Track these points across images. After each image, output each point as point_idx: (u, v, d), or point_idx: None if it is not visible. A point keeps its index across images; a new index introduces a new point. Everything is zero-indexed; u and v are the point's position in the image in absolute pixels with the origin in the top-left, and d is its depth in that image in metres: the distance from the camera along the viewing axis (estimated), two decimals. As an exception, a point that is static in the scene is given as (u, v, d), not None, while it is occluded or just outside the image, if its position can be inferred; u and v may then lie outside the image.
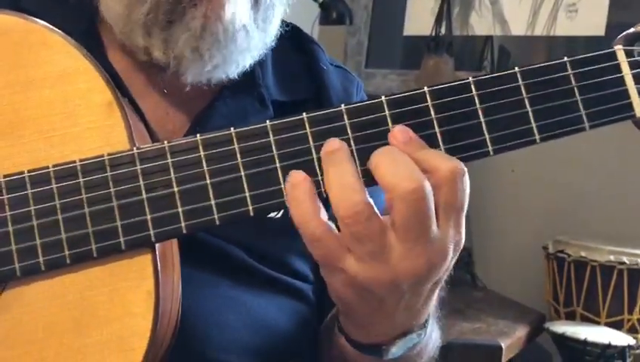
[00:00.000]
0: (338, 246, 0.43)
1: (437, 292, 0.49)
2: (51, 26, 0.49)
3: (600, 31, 1.99)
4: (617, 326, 1.61)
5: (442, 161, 0.43)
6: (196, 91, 0.61)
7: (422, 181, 0.42)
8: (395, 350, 0.51)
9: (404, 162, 0.43)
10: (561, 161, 1.85)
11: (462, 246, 0.45)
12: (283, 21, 0.64)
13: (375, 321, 0.48)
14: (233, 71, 0.59)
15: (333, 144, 0.45)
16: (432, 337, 0.60)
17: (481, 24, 2.24)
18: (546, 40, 2.10)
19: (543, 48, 2.15)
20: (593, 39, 2.10)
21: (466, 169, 0.44)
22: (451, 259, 0.45)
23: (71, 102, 0.47)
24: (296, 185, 0.43)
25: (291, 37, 0.66)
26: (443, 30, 2.14)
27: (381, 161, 0.44)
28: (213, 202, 0.45)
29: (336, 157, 0.44)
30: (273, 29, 0.61)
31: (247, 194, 0.45)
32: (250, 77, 0.62)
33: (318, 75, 0.67)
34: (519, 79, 0.47)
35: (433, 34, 2.14)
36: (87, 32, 0.60)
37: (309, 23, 2.13)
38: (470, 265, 1.96)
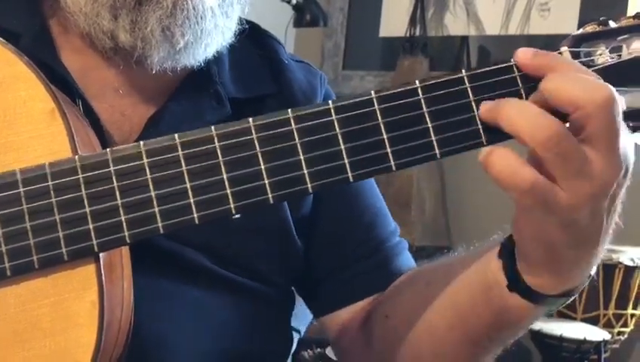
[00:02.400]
0: (548, 184, 0.43)
1: (608, 234, 0.48)
2: None
3: (572, 28, 2.01)
4: (594, 321, 1.63)
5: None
6: (152, 89, 0.61)
7: (610, 89, 0.43)
8: (567, 300, 0.50)
9: (583, 77, 0.44)
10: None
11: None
12: (241, 19, 0.64)
13: (578, 258, 0.47)
14: (201, 54, 0.59)
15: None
16: None
17: (455, 24, 2.25)
18: (522, 39, 2.12)
19: (521, 47, 2.17)
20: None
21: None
22: (617, 186, 0.45)
23: (11, 110, 0.46)
24: (490, 150, 0.44)
25: (249, 34, 0.66)
26: (418, 31, 2.15)
27: (561, 82, 0.44)
28: (157, 211, 0.44)
29: (506, 101, 0.45)
30: (232, 25, 0.61)
31: (191, 200, 0.45)
32: (206, 75, 0.62)
33: (279, 70, 0.66)
34: (466, 82, 0.47)
35: (408, 35, 2.15)
36: (39, 33, 0.59)
37: (282, 25, 2.13)
38: (449, 264, 1.96)
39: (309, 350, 1.54)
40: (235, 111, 0.62)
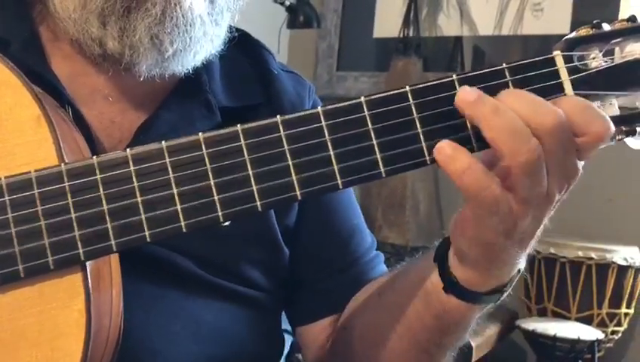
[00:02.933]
0: (506, 197, 0.44)
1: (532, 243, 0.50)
2: None
3: (565, 29, 2.02)
4: (587, 320, 1.63)
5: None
6: (142, 96, 0.60)
7: (562, 114, 0.43)
8: (500, 297, 0.51)
9: (535, 99, 0.44)
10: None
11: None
12: (231, 27, 0.63)
13: (511, 257, 0.48)
14: (190, 62, 0.59)
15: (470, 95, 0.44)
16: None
17: (449, 25, 2.25)
18: (515, 39, 2.12)
19: (516, 47, 2.17)
20: (562, 37, 2.12)
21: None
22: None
23: (-4, 118, 0.46)
24: (453, 155, 0.43)
25: (240, 43, 0.66)
26: (411, 32, 2.15)
27: (513, 103, 0.44)
28: (144, 219, 0.44)
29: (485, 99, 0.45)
30: (222, 33, 0.61)
31: (178, 208, 0.44)
32: (196, 83, 0.62)
33: (268, 80, 0.66)
34: (457, 86, 0.46)
35: (402, 35, 2.15)
36: (29, 39, 0.59)
37: (276, 26, 2.12)
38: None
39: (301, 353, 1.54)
40: (225, 119, 0.62)
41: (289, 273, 0.66)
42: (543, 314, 1.69)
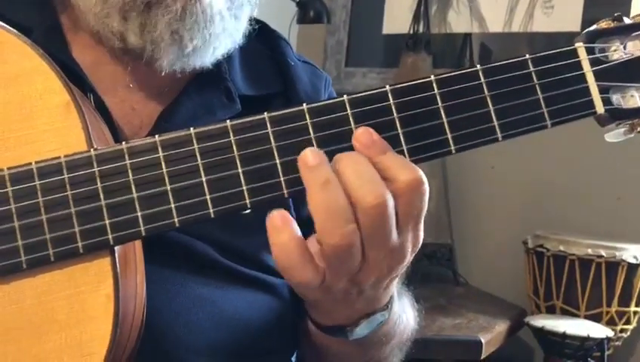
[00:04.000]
0: (317, 270, 0.45)
1: (396, 280, 0.51)
2: (5, 25, 0.48)
3: (576, 27, 2.01)
4: (596, 318, 1.63)
5: (401, 172, 0.44)
6: (163, 85, 0.61)
7: (384, 195, 0.43)
8: (359, 330, 0.53)
9: (367, 173, 0.43)
10: (541, 157, 1.86)
11: (419, 245, 0.47)
12: (251, 18, 0.64)
13: (339, 310, 0.52)
14: (209, 57, 0.59)
15: (310, 159, 0.44)
16: (403, 319, 0.61)
17: (459, 21, 2.25)
18: (525, 36, 2.12)
19: (524, 45, 2.17)
20: (574, 35, 2.11)
21: (424, 178, 0.44)
22: (409, 259, 0.47)
23: (27, 103, 0.46)
24: (280, 229, 0.44)
25: (259, 33, 0.66)
26: (421, 28, 2.15)
27: (345, 169, 0.44)
28: (173, 205, 0.44)
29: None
30: (242, 27, 0.61)
31: (207, 196, 0.45)
32: (216, 71, 0.62)
33: (285, 70, 0.67)
34: (481, 77, 0.46)
35: (411, 32, 2.15)
36: (51, 27, 0.59)
37: (286, 21, 2.12)
38: (451, 261, 1.97)
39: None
40: (245, 108, 0.62)
41: None
42: (551, 311, 1.69)
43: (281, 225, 0.44)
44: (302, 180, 0.44)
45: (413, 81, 0.47)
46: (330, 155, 0.45)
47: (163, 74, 0.58)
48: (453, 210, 2.04)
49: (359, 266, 0.45)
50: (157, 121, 0.60)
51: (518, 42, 2.17)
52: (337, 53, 2.54)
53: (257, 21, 0.66)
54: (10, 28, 0.48)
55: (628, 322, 1.64)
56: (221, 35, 0.58)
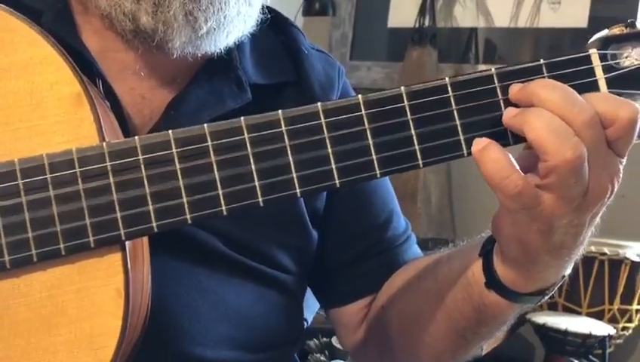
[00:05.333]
0: (534, 192, 0.44)
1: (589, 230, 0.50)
2: (15, 12, 0.47)
3: (582, 23, 2.00)
4: (598, 316, 1.63)
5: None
6: (173, 73, 0.60)
7: (594, 112, 0.44)
8: (541, 299, 0.52)
9: (571, 94, 0.44)
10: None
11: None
12: (263, 6, 0.63)
13: (552, 261, 0.49)
14: (222, 42, 0.58)
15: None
16: None
17: (465, 16, 2.24)
18: (531, 32, 2.11)
19: (528, 40, 2.16)
20: (577, 31, 2.11)
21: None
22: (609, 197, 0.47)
23: (38, 93, 0.45)
24: (486, 146, 0.45)
25: (271, 21, 0.65)
26: (427, 22, 2.13)
27: (548, 96, 0.44)
28: (185, 200, 0.44)
29: (536, 110, 0.45)
30: (255, 13, 0.61)
31: (220, 192, 0.44)
32: (226, 60, 0.61)
33: (298, 58, 0.66)
34: (495, 81, 0.46)
35: (417, 26, 2.14)
36: (61, 11, 0.59)
37: (292, 13, 2.11)
38: (454, 257, 1.96)
39: (315, 339, 1.55)
40: (256, 97, 0.61)
41: (321, 256, 0.66)
42: (553, 308, 1.69)
43: (487, 142, 0.45)
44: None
45: (428, 82, 0.47)
46: (344, 154, 0.45)
47: (174, 56, 0.57)
48: (456, 206, 2.04)
49: (585, 190, 0.44)
50: (166, 110, 0.59)
51: (523, 38, 2.16)
52: (342, 47, 2.53)
53: (270, 10, 0.65)
54: (21, 15, 0.47)
55: (630, 320, 1.64)
56: (235, 19, 0.58)
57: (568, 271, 0.51)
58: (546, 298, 0.52)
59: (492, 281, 0.51)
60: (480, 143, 0.45)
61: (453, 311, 0.56)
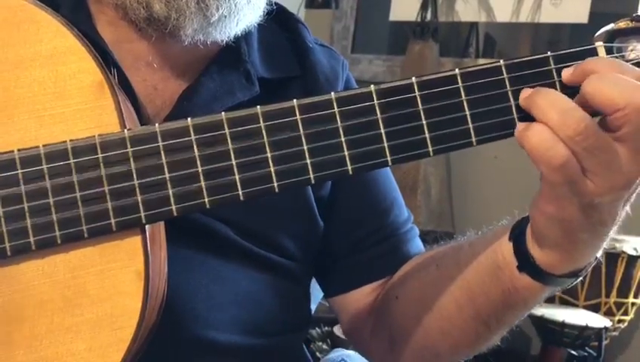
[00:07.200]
0: (578, 168, 0.45)
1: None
2: (40, 3, 0.49)
3: (583, 18, 2.01)
4: (595, 309, 1.65)
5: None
6: (185, 64, 0.61)
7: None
8: (574, 281, 0.52)
9: (622, 79, 0.45)
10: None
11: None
12: (269, 0, 0.64)
13: (590, 240, 0.49)
14: (233, 29, 0.60)
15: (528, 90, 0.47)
16: None
17: (466, 10, 2.25)
18: (530, 27, 2.12)
19: (528, 35, 2.17)
20: (577, 27, 2.12)
21: None
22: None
23: (61, 82, 0.47)
24: (527, 126, 0.45)
25: (277, 16, 0.67)
26: (429, 16, 2.14)
27: (600, 83, 0.45)
28: (203, 185, 0.46)
29: (541, 91, 0.46)
30: (262, 3, 0.62)
31: (236, 178, 0.46)
32: (235, 53, 0.63)
33: (304, 53, 0.67)
34: (504, 72, 0.48)
35: (419, 19, 2.15)
36: (77, 4, 0.60)
37: (295, 6, 2.12)
38: (453, 249, 1.98)
39: (317, 328, 1.57)
40: (263, 90, 0.63)
41: (323, 243, 0.68)
42: (550, 301, 1.71)
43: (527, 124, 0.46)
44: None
45: (439, 73, 0.48)
46: (356, 143, 0.47)
47: (185, 44, 0.58)
48: (455, 198, 2.06)
49: (613, 159, 0.45)
50: (178, 101, 0.61)
51: (523, 33, 2.17)
52: (344, 39, 2.53)
53: (275, 3, 0.66)
54: (45, 6, 0.49)
55: (626, 313, 1.67)
56: (245, 7, 0.59)
57: (600, 252, 0.52)
58: (579, 279, 0.52)
59: (526, 264, 0.51)
60: (522, 124, 0.46)
61: (479, 296, 0.56)
